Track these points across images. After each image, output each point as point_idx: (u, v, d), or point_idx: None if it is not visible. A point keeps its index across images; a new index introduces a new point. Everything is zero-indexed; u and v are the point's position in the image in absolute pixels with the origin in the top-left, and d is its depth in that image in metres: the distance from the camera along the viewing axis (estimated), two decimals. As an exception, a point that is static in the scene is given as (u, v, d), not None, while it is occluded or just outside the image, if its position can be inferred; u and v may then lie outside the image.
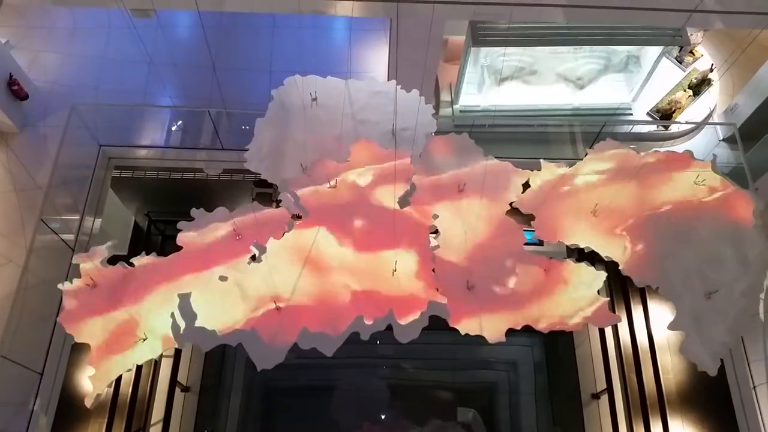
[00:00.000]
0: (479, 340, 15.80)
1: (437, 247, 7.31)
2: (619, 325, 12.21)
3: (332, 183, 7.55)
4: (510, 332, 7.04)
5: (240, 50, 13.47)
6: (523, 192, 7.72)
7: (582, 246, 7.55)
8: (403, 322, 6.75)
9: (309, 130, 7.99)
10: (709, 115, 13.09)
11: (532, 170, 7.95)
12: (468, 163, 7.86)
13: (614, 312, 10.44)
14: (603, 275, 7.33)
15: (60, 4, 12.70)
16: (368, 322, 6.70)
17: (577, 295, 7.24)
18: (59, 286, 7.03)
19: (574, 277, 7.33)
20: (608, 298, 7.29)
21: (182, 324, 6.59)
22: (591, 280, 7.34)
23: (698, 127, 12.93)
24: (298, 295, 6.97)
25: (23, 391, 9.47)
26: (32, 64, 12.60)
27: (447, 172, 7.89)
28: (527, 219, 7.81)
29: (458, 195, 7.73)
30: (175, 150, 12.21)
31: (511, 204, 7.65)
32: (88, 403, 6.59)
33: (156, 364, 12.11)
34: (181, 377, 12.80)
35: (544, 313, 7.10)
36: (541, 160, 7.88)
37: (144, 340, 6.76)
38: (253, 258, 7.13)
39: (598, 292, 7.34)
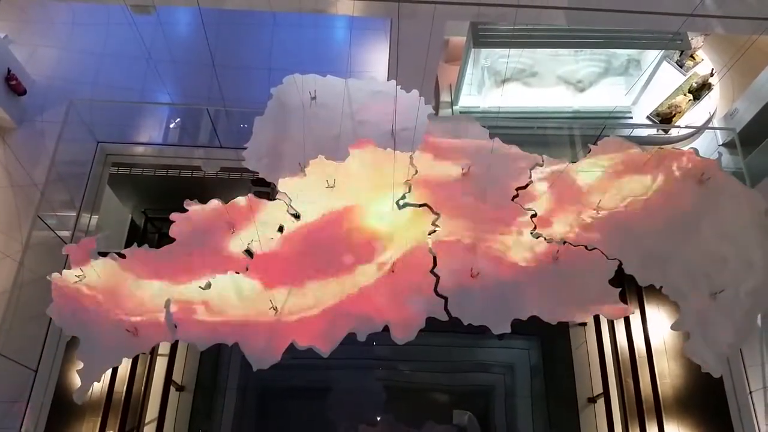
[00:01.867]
0: (476, 342, 15.74)
1: (437, 228, 7.28)
2: (616, 329, 12.19)
3: (330, 183, 7.52)
4: (507, 335, 6.96)
5: (239, 48, 13.43)
6: (525, 186, 7.66)
7: (585, 243, 7.48)
8: (400, 324, 6.73)
9: (308, 129, 7.94)
10: (709, 120, 13.09)
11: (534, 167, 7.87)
12: (472, 146, 7.79)
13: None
14: (615, 264, 7.22)
15: (59, -1, 12.68)
16: (364, 327, 6.69)
17: (587, 285, 7.12)
18: (48, 277, 6.95)
19: (585, 265, 7.22)
20: (620, 288, 7.08)
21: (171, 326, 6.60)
22: (602, 269, 7.25)
23: (698, 131, 12.93)
24: (295, 297, 6.93)
25: (17, 388, 9.41)
26: (31, 58, 12.55)
27: (450, 154, 7.81)
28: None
29: (462, 178, 7.67)
30: (173, 147, 12.16)
31: (513, 198, 7.60)
32: (78, 398, 6.51)
33: (151, 362, 12.05)
34: (176, 376, 12.74)
35: (552, 302, 6.99)
36: (544, 156, 7.83)
37: (134, 333, 6.68)
38: (249, 253, 7.09)
39: (610, 282, 7.18)
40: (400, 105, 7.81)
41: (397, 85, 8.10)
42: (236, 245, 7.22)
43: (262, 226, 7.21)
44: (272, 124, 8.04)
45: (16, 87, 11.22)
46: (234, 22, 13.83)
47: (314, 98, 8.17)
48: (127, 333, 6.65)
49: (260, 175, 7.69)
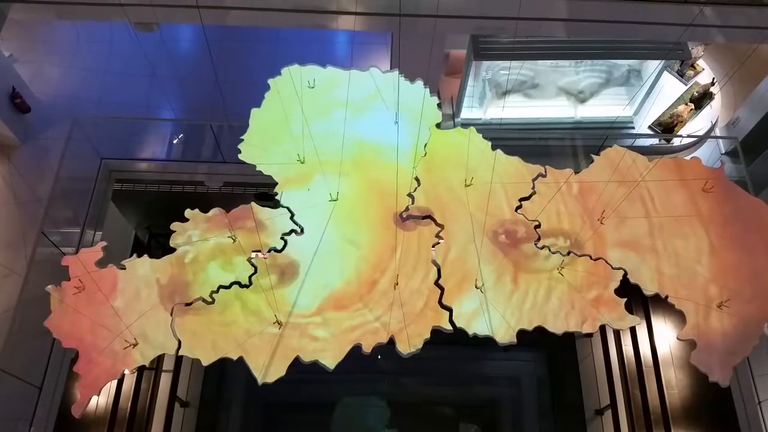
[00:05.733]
0: (482, 354, 15.63)
1: (440, 240, 7.26)
2: (622, 339, 12.13)
3: (333, 196, 7.52)
4: (513, 347, 6.94)
5: (242, 63, 13.52)
6: (529, 197, 7.66)
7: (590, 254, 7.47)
8: (405, 336, 6.72)
9: (307, 120, 7.85)
10: (711, 129, 13.10)
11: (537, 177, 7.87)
12: (474, 158, 7.79)
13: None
14: (620, 273, 7.20)
15: (64, 18, 12.78)
16: (369, 340, 6.69)
17: (593, 295, 7.12)
18: (46, 288, 6.92)
19: (590, 275, 7.21)
20: (626, 299, 7.08)
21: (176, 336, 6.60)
22: (607, 279, 7.21)
23: (700, 140, 12.94)
24: (300, 310, 6.92)
25: (21, 405, 9.38)
26: (35, 77, 12.65)
27: (453, 165, 7.80)
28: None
29: (465, 189, 7.66)
30: (176, 163, 12.20)
31: (516, 209, 7.59)
32: (76, 412, 6.47)
33: (155, 378, 12.02)
34: (181, 392, 12.69)
35: (557, 313, 6.97)
36: (547, 167, 7.84)
37: (134, 345, 6.65)
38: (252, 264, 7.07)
39: (615, 292, 7.15)
40: (404, 96, 7.80)
41: (399, 74, 8.08)
42: (240, 256, 7.21)
43: (265, 236, 7.21)
44: (269, 116, 7.96)
45: (20, 105, 11.29)
46: (236, 38, 13.94)
47: (312, 87, 8.13)
48: (127, 345, 6.62)
49: (257, 168, 7.60)
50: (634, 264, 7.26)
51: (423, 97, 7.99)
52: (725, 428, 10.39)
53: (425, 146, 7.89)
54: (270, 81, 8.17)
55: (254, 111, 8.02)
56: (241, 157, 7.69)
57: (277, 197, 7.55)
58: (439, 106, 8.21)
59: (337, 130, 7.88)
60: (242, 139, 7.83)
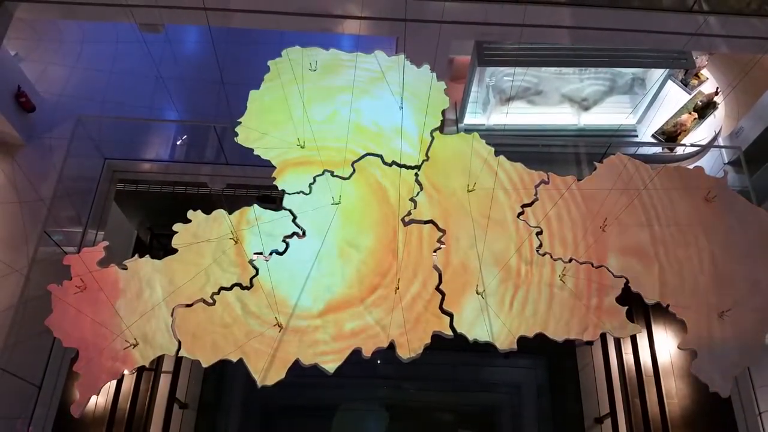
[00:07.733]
0: (482, 361, 15.59)
1: (442, 245, 7.25)
2: (623, 347, 12.10)
3: (336, 199, 7.52)
4: (513, 354, 6.92)
5: (246, 66, 13.52)
6: (531, 203, 7.65)
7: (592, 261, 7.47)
8: (405, 341, 6.71)
9: (307, 104, 7.76)
10: (714, 138, 13.09)
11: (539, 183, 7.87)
12: (477, 163, 7.79)
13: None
14: (622, 281, 7.18)
15: (70, 18, 12.83)
16: (369, 345, 6.68)
17: (594, 303, 7.11)
18: (48, 287, 6.91)
19: (591, 283, 7.21)
20: (627, 307, 7.06)
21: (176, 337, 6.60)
22: (609, 286, 7.20)
23: (703, 150, 12.93)
24: (301, 313, 6.92)
25: (20, 404, 9.37)
26: (41, 76, 12.69)
27: (456, 170, 7.78)
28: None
29: (468, 195, 7.66)
30: (179, 164, 12.22)
31: (518, 216, 7.59)
32: (75, 411, 6.46)
33: (154, 379, 12.01)
34: (180, 394, 12.68)
35: (558, 320, 6.96)
36: (549, 173, 7.84)
37: (134, 345, 6.65)
38: (254, 267, 7.07)
39: (617, 300, 7.13)
40: (410, 81, 7.72)
41: (405, 58, 8.02)
42: (242, 258, 7.21)
43: (267, 238, 7.21)
44: (269, 99, 7.85)
45: (25, 104, 11.33)
46: (241, 41, 13.98)
47: (314, 70, 8.01)
48: (127, 345, 6.62)
49: (255, 153, 7.52)
50: (635, 272, 7.25)
51: (430, 81, 7.88)
52: (725, 439, 10.35)
53: (431, 133, 7.84)
54: (270, 63, 8.07)
55: (253, 93, 7.92)
56: (237, 140, 7.57)
57: (275, 183, 7.50)
58: (446, 91, 8.09)
59: (339, 115, 7.79)
60: (239, 122, 7.75)
